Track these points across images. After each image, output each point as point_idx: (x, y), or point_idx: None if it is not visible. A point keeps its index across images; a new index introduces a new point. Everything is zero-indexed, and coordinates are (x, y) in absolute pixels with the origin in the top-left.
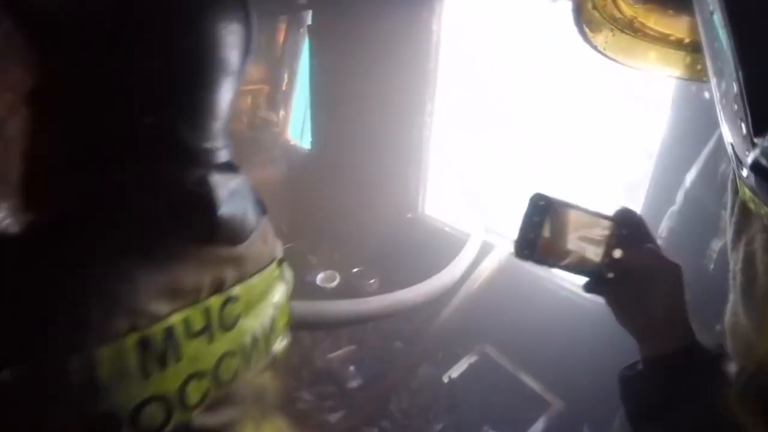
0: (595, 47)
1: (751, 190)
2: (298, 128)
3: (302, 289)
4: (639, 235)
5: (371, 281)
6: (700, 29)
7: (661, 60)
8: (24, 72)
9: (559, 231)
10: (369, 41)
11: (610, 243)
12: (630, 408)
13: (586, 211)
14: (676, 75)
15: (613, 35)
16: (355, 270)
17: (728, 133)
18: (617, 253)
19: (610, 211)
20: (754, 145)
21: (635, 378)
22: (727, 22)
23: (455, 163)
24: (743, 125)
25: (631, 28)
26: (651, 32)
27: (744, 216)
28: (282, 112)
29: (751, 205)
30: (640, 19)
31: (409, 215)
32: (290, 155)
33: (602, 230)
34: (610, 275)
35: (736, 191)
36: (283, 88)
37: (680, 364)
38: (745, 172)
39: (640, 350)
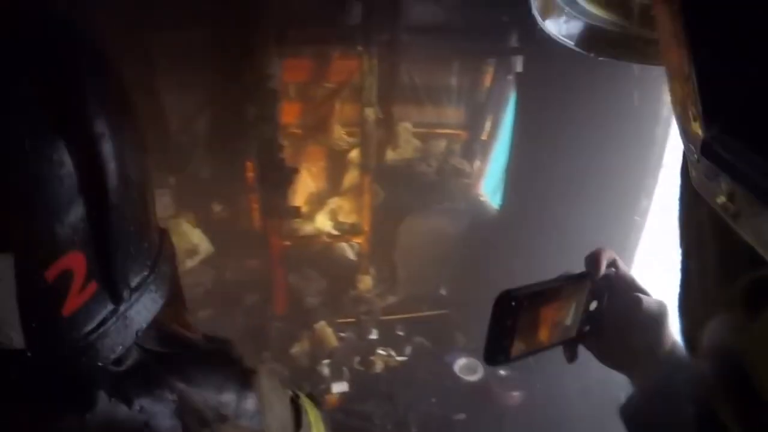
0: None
1: (702, 175)
2: (492, 184)
3: (435, 368)
4: (613, 280)
5: (515, 393)
6: (654, 13)
7: (618, 45)
8: None
9: (535, 320)
10: (585, 102)
11: (586, 299)
12: None
13: (560, 281)
14: (633, 60)
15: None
16: (503, 373)
17: (679, 117)
18: (592, 306)
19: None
20: (705, 129)
21: (636, 413)
22: (679, 6)
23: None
24: (694, 109)
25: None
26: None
27: (694, 203)
28: (477, 163)
29: (701, 191)
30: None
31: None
32: (476, 212)
33: (578, 291)
34: (587, 328)
35: (685, 177)
36: (483, 137)
37: (673, 385)
38: (695, 157)
39: (630, 383)
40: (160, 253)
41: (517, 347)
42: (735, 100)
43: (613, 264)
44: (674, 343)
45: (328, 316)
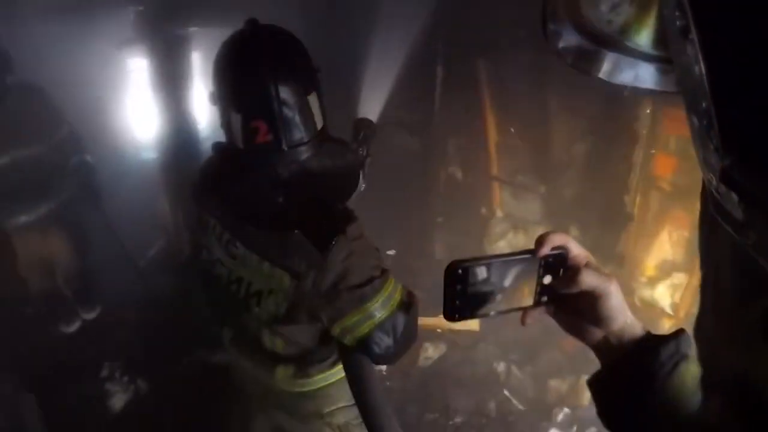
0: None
1: (720, 201)
2: None
3: None
4: (566, 258)
5: None
6: (671, 44)
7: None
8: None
9: (486, 286)
10: None
11: (539, 273)
12: (602, 412)
13: (506, 256)
14: (648, 88)
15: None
16: None
17: (699, 146)
18: (546, 280)
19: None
20: (723, 157)
21: (599, 383)
22: (696, 38)
23: None
24: (713, 137)
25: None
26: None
27: (714, 228)
28: None
29: (720, 217)
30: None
31: None
32: None
33: (529, 266)
34: (544, 299)
35: (707, 205)
36: None
37: (635, 363)
38: (714, 185)
39: (595, 354)
40: (313, 140)
41: (472, 308)
42: (752, 129)
43: (563, 246)
44: (626, 322)
45: None
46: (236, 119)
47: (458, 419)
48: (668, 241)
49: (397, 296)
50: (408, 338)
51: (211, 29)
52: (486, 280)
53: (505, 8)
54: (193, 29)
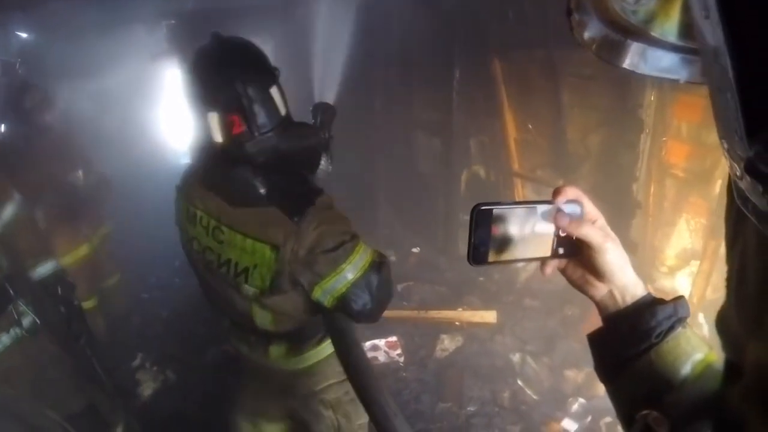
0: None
1: (745, 192)
2: None
3: None
4: (580, 211)
5: None
6: (696, 32)
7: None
8: None
9: (507, 231)
10: None
11: (555, 224)
12: (598, 366)
13: (526, 204)
14: (673, 78)
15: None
16: None
17: (724, 136)
18: (561, 232)
19: (549, 196)
20: (748, 147)
21: (599, 338)
22: (720, 24)
23: None
24: (737, 126)
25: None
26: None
27: (740, 220)
28: None
29: (745, 208)
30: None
31: None
32: None
33: (546, 216)
34: (560, 251)
35: (732, 199)
36: None
37: (632, 320)
38: (739, 175)
39: (598, 311)
40: (279, 125)
41: (494, 254)
42: None
43: (577, 201)
44: (628, 281)
45: None
46: (213, 117)
47: (471, 408)
48: (686, 230)
49: (369, 257)
50: (383, 295)
51: None
52: (507, 224)
53: (517, 8)
54: None
